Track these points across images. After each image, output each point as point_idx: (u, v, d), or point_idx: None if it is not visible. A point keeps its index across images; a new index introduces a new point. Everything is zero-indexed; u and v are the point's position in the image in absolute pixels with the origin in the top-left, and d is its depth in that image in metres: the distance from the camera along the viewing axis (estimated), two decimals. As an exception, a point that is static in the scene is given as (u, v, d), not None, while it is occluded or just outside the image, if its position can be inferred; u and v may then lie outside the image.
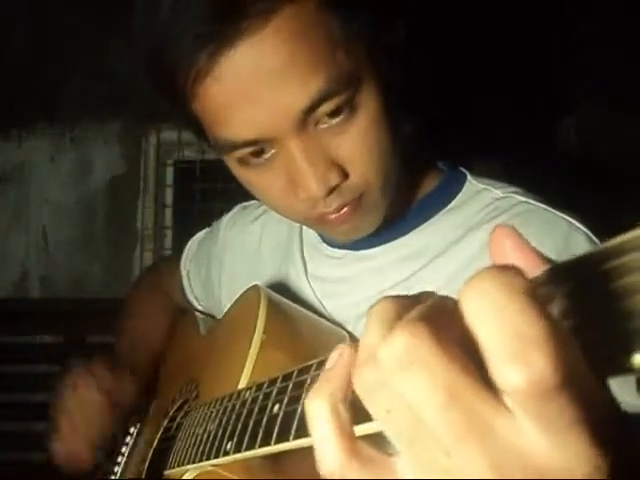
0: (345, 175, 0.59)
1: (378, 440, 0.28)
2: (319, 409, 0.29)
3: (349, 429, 0.28)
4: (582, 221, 0.64)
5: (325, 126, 0.57)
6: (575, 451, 0.22)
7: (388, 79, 0.60)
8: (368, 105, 0.58)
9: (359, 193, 0.61)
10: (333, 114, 0.56)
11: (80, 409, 0.82)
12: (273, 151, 0.58)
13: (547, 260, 0.26)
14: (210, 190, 2.09)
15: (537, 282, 0.24)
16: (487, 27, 1.66)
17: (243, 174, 0.63)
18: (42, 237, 2.12)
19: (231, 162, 0.62)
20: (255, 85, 0.54)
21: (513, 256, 0.26)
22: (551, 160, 1.86)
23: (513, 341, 0.21)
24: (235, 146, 0.58)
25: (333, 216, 0.61)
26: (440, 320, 0.24)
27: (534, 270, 0.25)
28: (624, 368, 0.22)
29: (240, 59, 0.53)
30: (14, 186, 2.14)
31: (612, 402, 0.24)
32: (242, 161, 0.60)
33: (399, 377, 0.24)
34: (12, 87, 1.99)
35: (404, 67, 0.62)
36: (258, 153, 0.59)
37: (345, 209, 0.61)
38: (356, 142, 0.58)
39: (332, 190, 0.58)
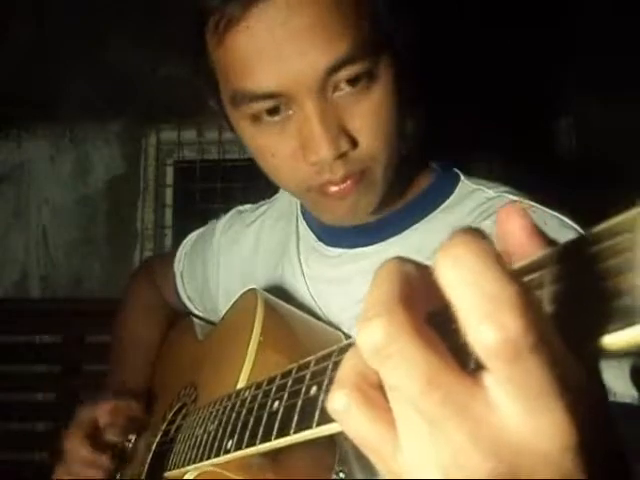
0: (354, 144, 0.61)
1: None
2: None
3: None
4: (575, 220, 0.65)
5: (342, 93, 0.59)
6: (546, 422, 0.22)
7: (404, 63, 0.63)
8: (384, 80, 0.60)
9: (364, 166, 0.62)
10: (352, 82, 0.58)
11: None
12: (289, 112, 0.60)
13: (552, 243, 0.27)
14: (210, 190, 2.09)
15: (528, 266, 0.25)
16: (484, 26, 1.66)
17: (253, 134, 0.64)
18: (42, 237, 2.12)
19: (243, 121, 0.63)
20: (283, 39, 0.56)
21: (520, 234, 0.27)
22: (549, 160, 1.86)
23: (486, 303, 0.22)
24: (254, 98, 0.59)
25: (335, 188, 0.63)
26: (416, 293, 0.25)
27: (538, 251, 0.26)
28: (599, 349, 0.22)
29: (272, 11, 0.56)
30: (14, 186, 2.13)
31: (595, 387, 0.25)
32: (255, 118, 0.61)
33: (378, 366, 0.24)
34: (12, 87, 1.99)
35: (416, 59, 0.64)
36: (274, 112, 0.60)
37: (348, 182, 0.62)
38: (369, 114, 0.60)
39: (340, 156, 0.60)
